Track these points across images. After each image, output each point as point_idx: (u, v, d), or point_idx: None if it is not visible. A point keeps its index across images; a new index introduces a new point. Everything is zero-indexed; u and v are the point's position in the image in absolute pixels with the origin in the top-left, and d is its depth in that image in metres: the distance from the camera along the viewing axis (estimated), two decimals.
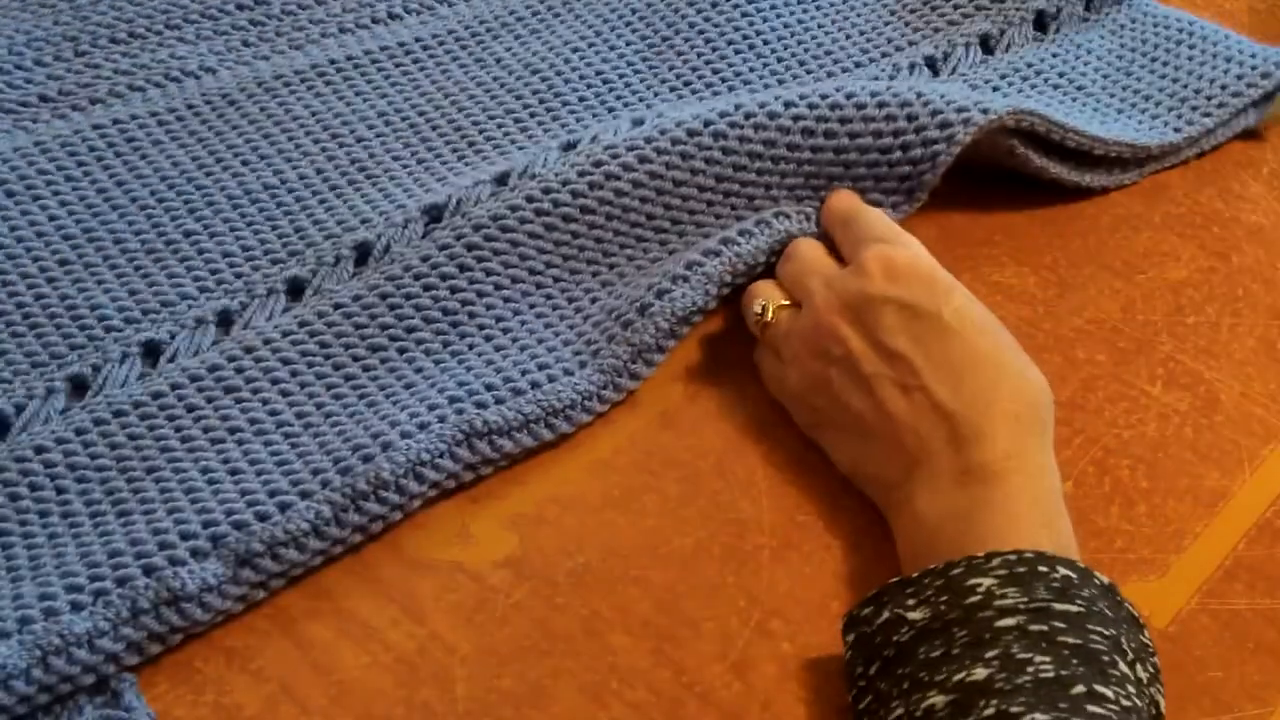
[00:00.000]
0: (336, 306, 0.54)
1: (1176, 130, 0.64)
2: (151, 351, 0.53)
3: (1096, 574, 0.42)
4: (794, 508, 0.50)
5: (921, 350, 0.48)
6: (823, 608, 0.47)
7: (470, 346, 0.53)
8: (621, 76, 0.65)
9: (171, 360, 0.52)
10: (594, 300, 0.55)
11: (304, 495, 0.47)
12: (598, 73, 0.66)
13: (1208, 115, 0.64)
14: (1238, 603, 0.48)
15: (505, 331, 0.54)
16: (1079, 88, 0.66)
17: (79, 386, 0.52)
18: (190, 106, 0.63)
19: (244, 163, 0.60)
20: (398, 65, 0.66)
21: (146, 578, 0.45)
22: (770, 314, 0.53)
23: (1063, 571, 0.42)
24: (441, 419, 0.49)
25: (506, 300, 0.55)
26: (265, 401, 0.51)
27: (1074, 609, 0.40)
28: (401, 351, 0.53)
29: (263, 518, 0.47)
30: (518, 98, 0.64)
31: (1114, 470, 0.52)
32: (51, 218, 0.57)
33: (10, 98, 0.62)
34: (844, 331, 0.50)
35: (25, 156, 0.60)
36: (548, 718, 0.44)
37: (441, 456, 0.49)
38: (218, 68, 0.65)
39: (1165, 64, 0.67)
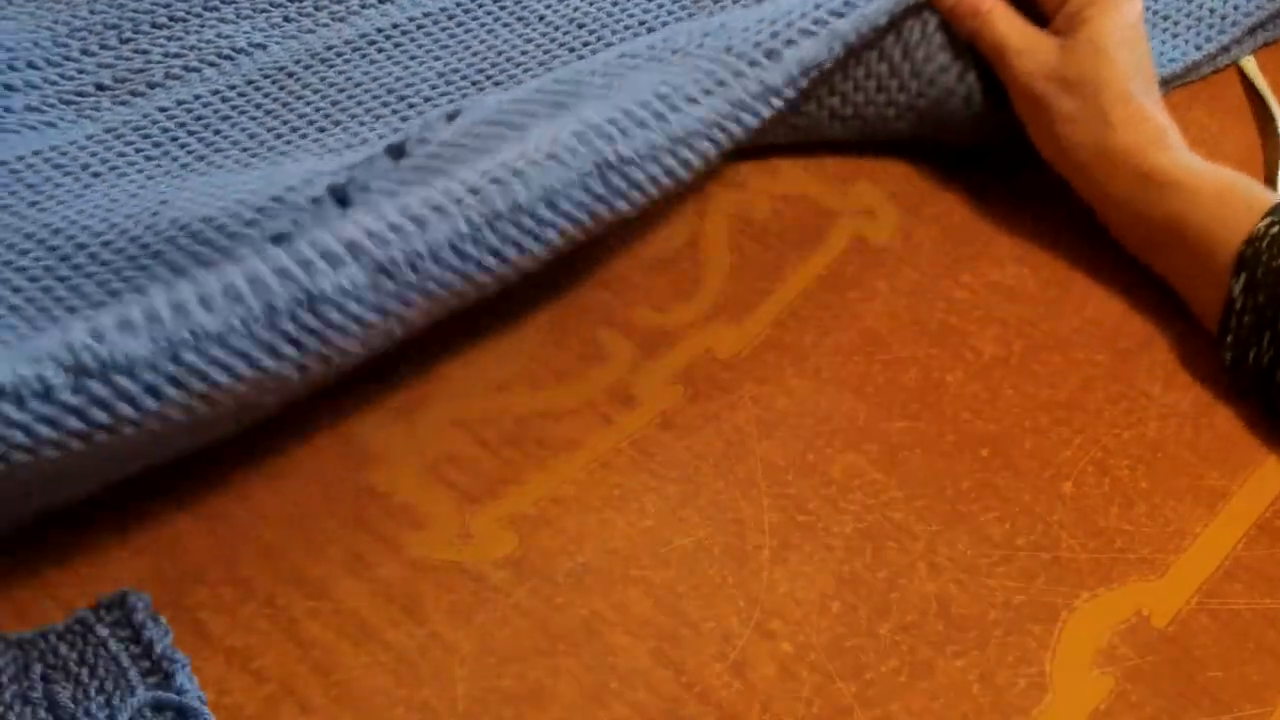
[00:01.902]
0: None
1: (1198, 49, 0.66)
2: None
3: None
4: (794, 508, 0.50)
5: None
6: (823, 608, 0.47)
7: (590, 95, 0.54)
8: (664, 24, 0.66)
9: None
10: (707, 42, 0.56)
11: (439, 212, 0.47)
12: (640, 22, 0.67)
13: (1223, 33, 0.67)
14: (1238, 603, 0.48)
15: (619, 85, 0.55)
16: None
17: None
18: (250, 82, 0.63)
19: (320, 129, 0.61)
20: (443, 29, 0.66)
21: (280, 279, 0.44)
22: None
23: None
24: (571, 151, 0.49)
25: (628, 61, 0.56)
26: None
27: None
28: (519, 129, 0.54)
29: (398, 230, 0.46)
30: (570, 50, 0.65)
31: (1114, 470, 0.52)
32: (141, 187, 0.57)
33: (67, 89, 0.62)
34: None
35: (100, 142, 0.60)
36: (548, 718, 0.44)
37: (573, 187, 0.48)
38: (266, 43, 0.65)
39: None
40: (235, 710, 0.44)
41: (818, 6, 0.56)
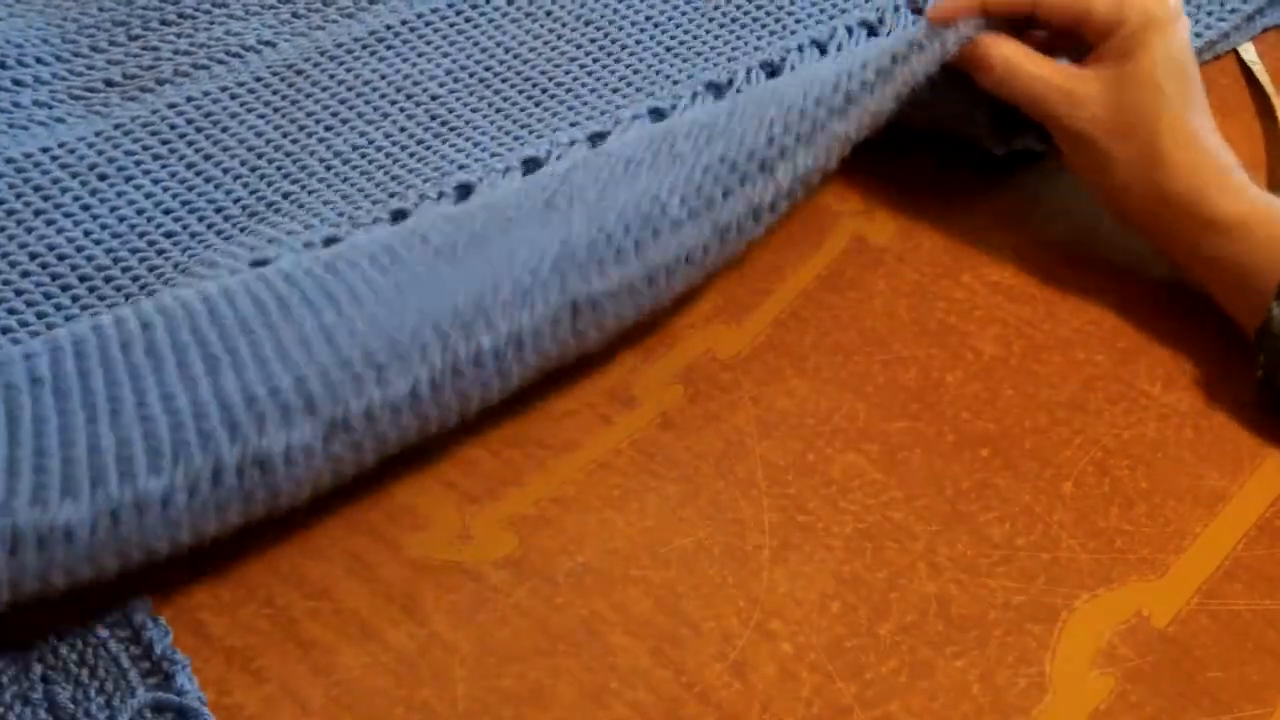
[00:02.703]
0: (444, 217, 0.54)
1: (1197, 35, 0.67)
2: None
3: None
4: (794, 508, 0.50)
5: None
6: (823, 608, 0.47)
7: (573, 207, 0.52)
8: (671, 19, 0.68)
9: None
10: (708, 141, 0.53)
11: (402, 360, 0.46)
12: (647, 18, 0.68)
13: (1222, 20, 0.68)
14: (1237, 603, 0.48)
15: (608, 193, 0.52)
16: None
17: None
18: (259, 79, 0.63)
19: (327, 128, 0.61)
20: (451, 25, 0.67)
21: (231, 438, 0.43)
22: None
23: None
24: (545, 288, 0.48)
25: (622, 168, 0.54)
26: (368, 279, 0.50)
27: None
28: (504, 233, 0.52)
29: (358, 381, 0.45)
30: (577, 46, 0.66)
31: (1114, 470, 0.52)
32: (148, 195, 0.58)
33: (76, 85, 0.63)
34: None
35: (109, 140, 0.60)
36: (548, 718, 0.44)
37: (542, 326, 0.48)
38: (275, 40, 0.65)
39: None
40: (235, 710, 0.44)
41: (818, 103, 0.52)
